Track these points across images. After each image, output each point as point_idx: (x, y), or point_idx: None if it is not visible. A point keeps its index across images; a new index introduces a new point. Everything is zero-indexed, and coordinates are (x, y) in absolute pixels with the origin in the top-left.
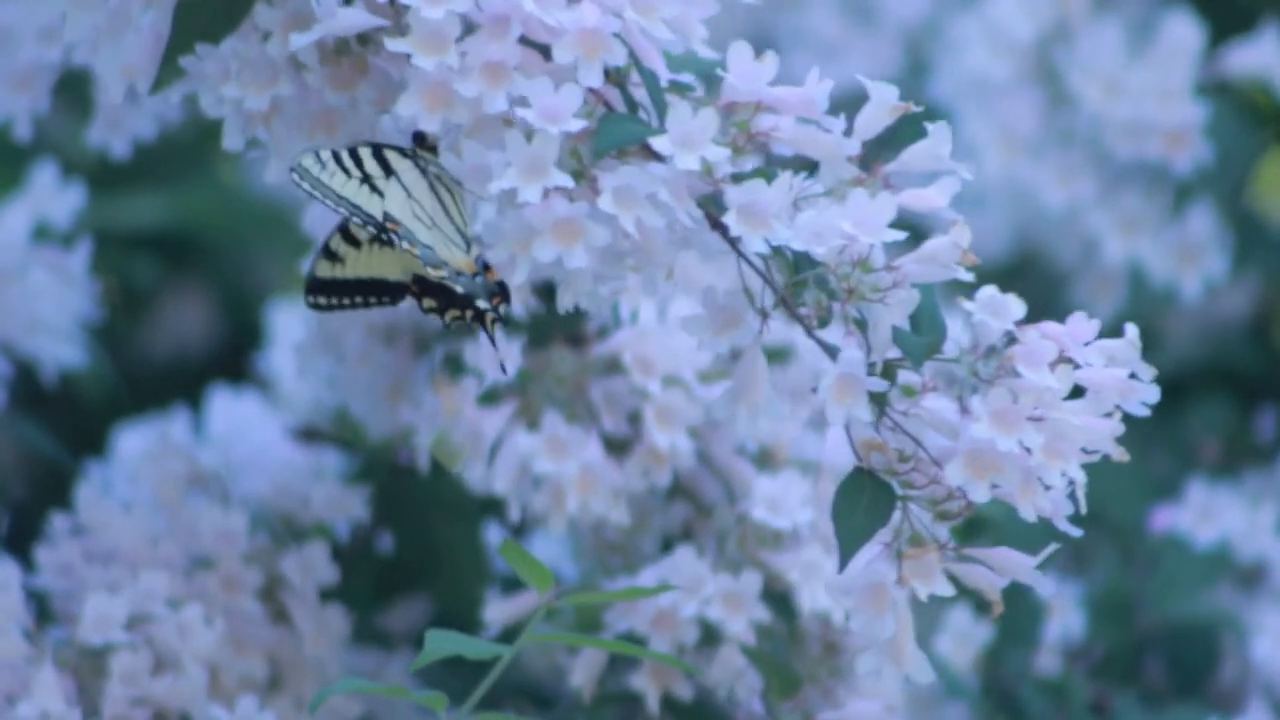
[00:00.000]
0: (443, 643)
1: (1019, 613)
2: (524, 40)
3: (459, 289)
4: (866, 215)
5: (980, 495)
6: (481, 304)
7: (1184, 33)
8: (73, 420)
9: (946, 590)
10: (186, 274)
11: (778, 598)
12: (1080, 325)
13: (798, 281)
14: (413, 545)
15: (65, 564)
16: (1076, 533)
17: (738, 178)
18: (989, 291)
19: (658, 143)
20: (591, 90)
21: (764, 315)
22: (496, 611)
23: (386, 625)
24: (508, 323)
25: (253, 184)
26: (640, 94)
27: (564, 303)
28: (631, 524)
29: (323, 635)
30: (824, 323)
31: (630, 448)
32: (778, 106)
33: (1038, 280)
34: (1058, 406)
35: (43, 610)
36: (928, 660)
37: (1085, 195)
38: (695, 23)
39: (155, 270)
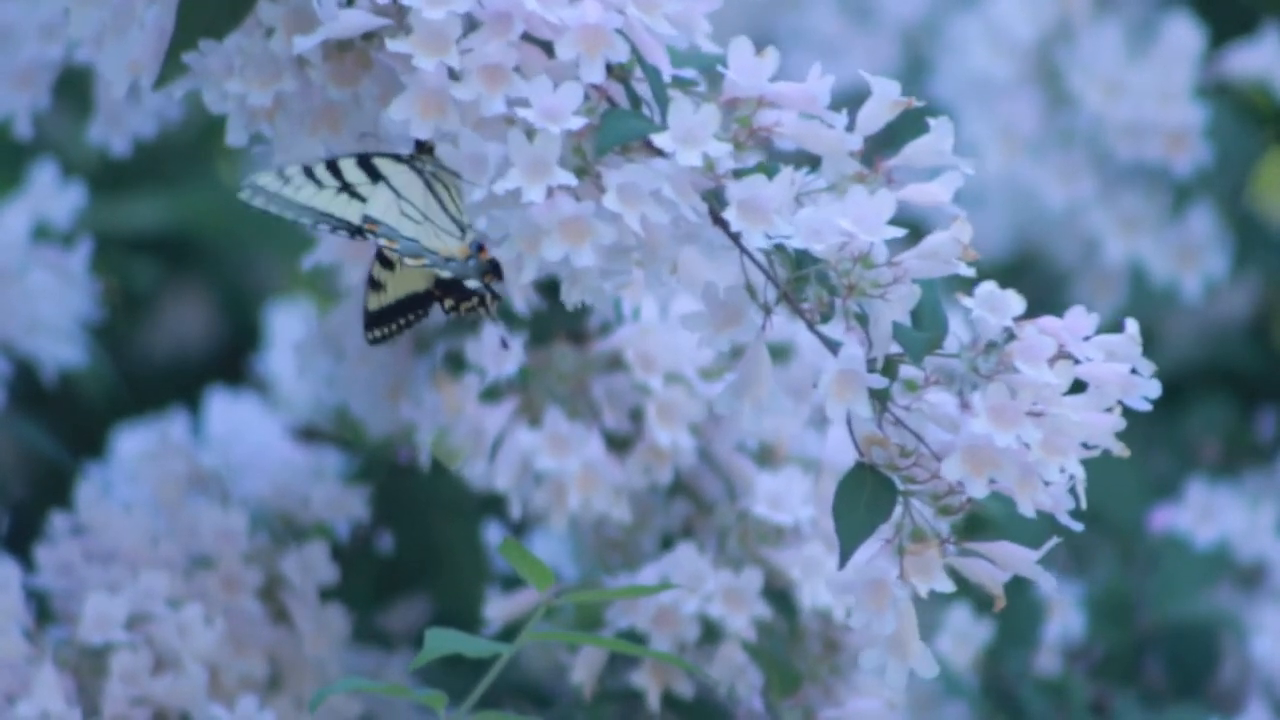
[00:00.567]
0: (442, 641)
1: (1019, 612)
2: (526, 37)
3: (446, 273)
4: (865, 212)
5: (979, 491)
6: (471, 283)
7: (1184, 34)
8: (73, 420)
9: (947, 586)
10: (186, 275)
11: (779, 595)
12: (1079, 320)
13: (799, 277)
14: (413, 544)
15: (65, 563)
16: (1077, 527)
17: (739, 173)
18: (988, 287)
19: (660, 139)
20: (595, 86)
21: (767, 311)
22: (496, 610)
23: (386, 625)
24: (510, 316)
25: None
26: (644, 89)
27: (570, 299)
28: (633, 521)
29: (323, 635)
30: (826, 318)
31: (632, 445)
32: (780, 102)
33: (1038, 280)
34: (1057, 402)
35: (43, 610)
36: (932, 655)
37: (1085, 195)
38: (699, 18)
39: (155, 272)
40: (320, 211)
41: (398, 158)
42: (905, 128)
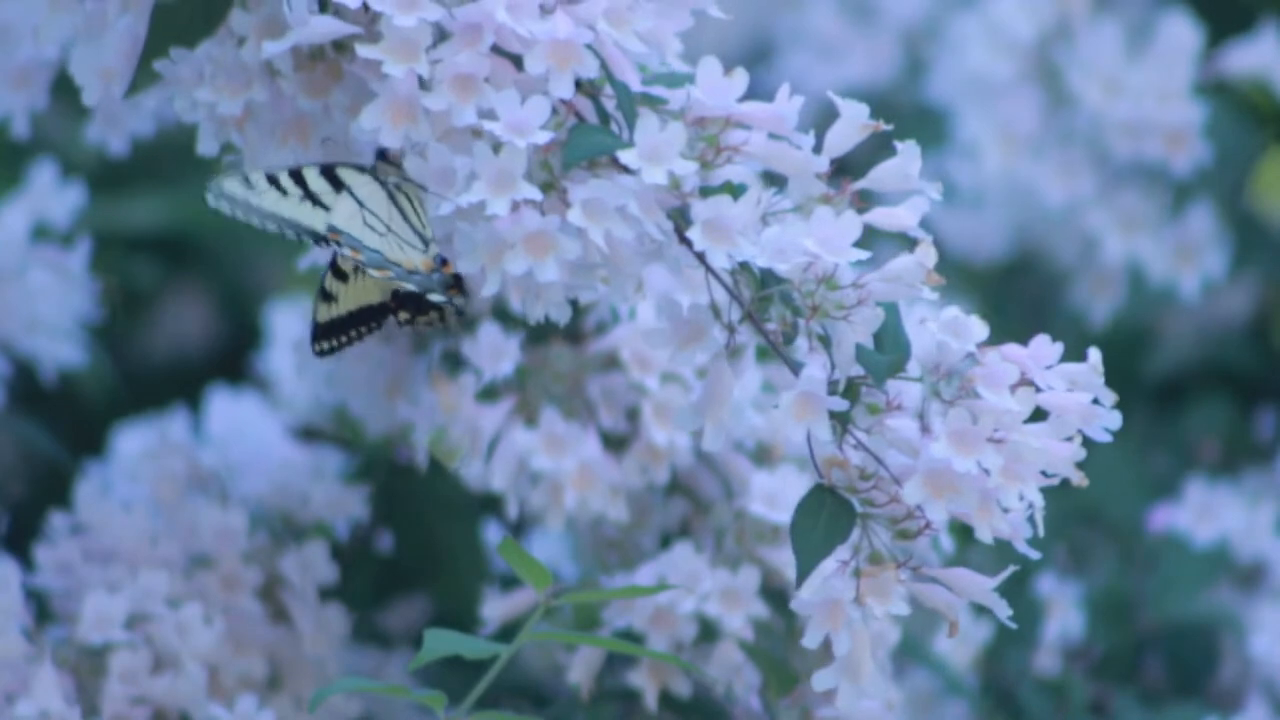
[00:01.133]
0: (441, 641)
1: (1018, 612)
2: (496, 50)
3: (411, 286)
4: (830, 234)
5: (938, 515)
6: (435, 297)
7: (1183, 33)
8: (72, 419)
9: (903, 609)
10: (186, 274)
11: (775, 594)
12: (1043, 349)
13: (763, 297)
14: (412, 544)
15: (65, 563)
16: (1035, 556)
17: (705, 192)
18: (952, 312)
19: (626, 156)
20: (563, 101)
21: (730, 330)
22: (493, 609)
23: (386, 624)
24: (507, 316)
25: None
26: (613, 105)
27: (534, 314)
28: (630, 521)
29: (322, 634)
30: (789, 339)
31: (628, 444)
32: (748, 121)
33: (1037, 279)
34: (1018, 429)
35: (42, 609)
36: (883, 680)
37: (1085, 194)
38: (670, 36)
39: (155, 271)
40: (284, 218)
41: (360, 169)
42: (887, 143)
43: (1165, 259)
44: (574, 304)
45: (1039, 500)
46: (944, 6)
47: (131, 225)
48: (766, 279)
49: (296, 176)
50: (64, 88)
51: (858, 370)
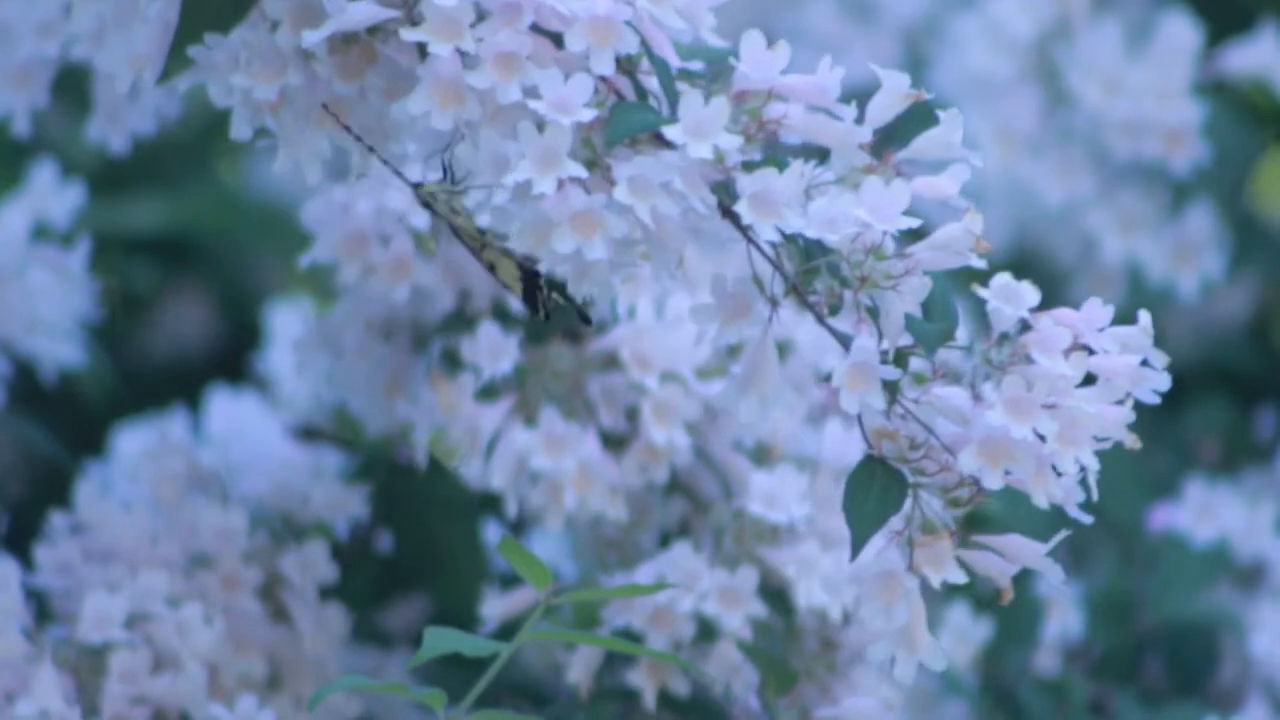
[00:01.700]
0: (441, 640)
1: (1018, 611)
2: (535, 29)
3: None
4: (881, 202)
5: (994, 482)
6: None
7: (1182, 32)
8: (72, 419)
9: (959, 577)
10: (186, 274)
11: (774, 593)
12: (1095, 312)
13: (810, 269)
14: (412, 543)
15: (64, 563)
16: (1087, 519)
17: (749, 166)
18: (1004, 279)
19: (670, 131)
20: (603, 79)
21: (774, 304)
22: (494, 608)
23: (386, 624)
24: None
25: (252, 185)
26: (651, 82)
27: (580, 292)
28: (629, 520)
29: (322, 634)
30: (835, 310)
31: (628, 444)
32: (789, 94)
33: (1037, 278)
34: (1071, 394)
35: (42, 609)
36: (941, 648)
37: (1084, 193)
38: (704, 11)
39: (155, 271)
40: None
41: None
42: (909, 123)
43: (1164, 259)
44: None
45: (1094, 464)
46: (944, 5)
47: (131, 225)
48: (812, 251)
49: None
50: (65, 86)
51: (905, 340)
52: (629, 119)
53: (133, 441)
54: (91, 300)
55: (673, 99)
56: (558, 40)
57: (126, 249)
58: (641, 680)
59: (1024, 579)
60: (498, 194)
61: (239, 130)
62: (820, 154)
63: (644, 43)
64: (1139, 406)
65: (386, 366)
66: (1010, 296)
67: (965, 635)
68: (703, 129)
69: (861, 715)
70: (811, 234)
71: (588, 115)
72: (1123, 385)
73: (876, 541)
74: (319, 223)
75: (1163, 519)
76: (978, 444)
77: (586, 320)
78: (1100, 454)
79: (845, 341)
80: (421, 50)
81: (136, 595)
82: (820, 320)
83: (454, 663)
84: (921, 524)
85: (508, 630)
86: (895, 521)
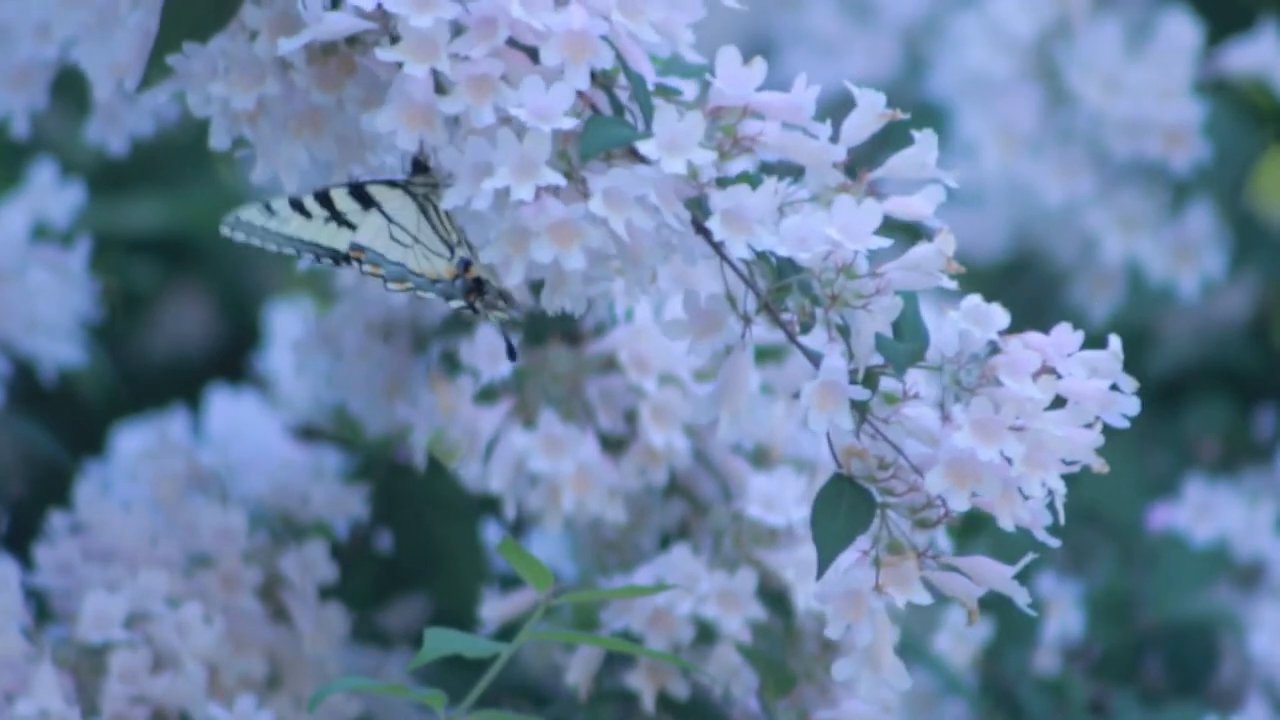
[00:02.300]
0: (441, 641)
1: (1017, 611)
2: (511, 43)
3: (430, 295)
4: (852, 222)
5: (960, 503)
6: (455, 303)
7: (1182, 31)
8: (72, 419)
9: (924, 598)
10: (185, 274)
11: (773, 596)
12: (1064, 336)
13: (781, 287)
14: (412, 544)
15: (64, 562)
16: (1055, 544)
17: (723, 182)
18: (973, 300)
19: (644, 146)
20: (579, 93)
21: (747, 320)
22: (493, 610)
23: (385, 624)
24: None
25: (251, 185)
26: (627, 97)
27: (552, 305)
28: (628, 522)
29: (322, 634)
30: (807, 328)
31: (626, 446)
32: (765, 111)
33: (1036, 278)
34: (1039, 417)
35: (42, 608)
36: (904, 669)
37: (1084, 193)
38: (681, 27)
39: (154, 271)
40: (306, 241)
41: (392, 184)
42: (899, 135)
43: (1164, 258)
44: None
45: (1060, 488)
46: (943, 5)
47: (131, 225)
48: (784, 269)
49: (323, 199)
50: (64, 87)
51: (876, 360)
52: (603, 133)
53: (133, 441)
54: (91, 300)
55: (648, 114)
56: (534, 55)
57: (126, 249)
58: (641, 682)
59: (1024, 579)
60: (477, 199)
61: (217, 139)
62: (796, 171)
63: (619, 57)
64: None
65: (386, 368)
66: (979, 319)
67: (965, 635)
68: (677, 144)
69: (860, 717)
70: (783, 252)
71: (568, 123)
72: (1092, 409)
73: (844, 559)
74: None
75: (1162, 519)
76: (944, 465)
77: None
78: (1100, 454)
79: (817, 360)
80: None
81: (136, 595)
82: (791, 338)
83: (454, 663)
84: (889, 544)
85: (507, 631)
86: (863, 541)
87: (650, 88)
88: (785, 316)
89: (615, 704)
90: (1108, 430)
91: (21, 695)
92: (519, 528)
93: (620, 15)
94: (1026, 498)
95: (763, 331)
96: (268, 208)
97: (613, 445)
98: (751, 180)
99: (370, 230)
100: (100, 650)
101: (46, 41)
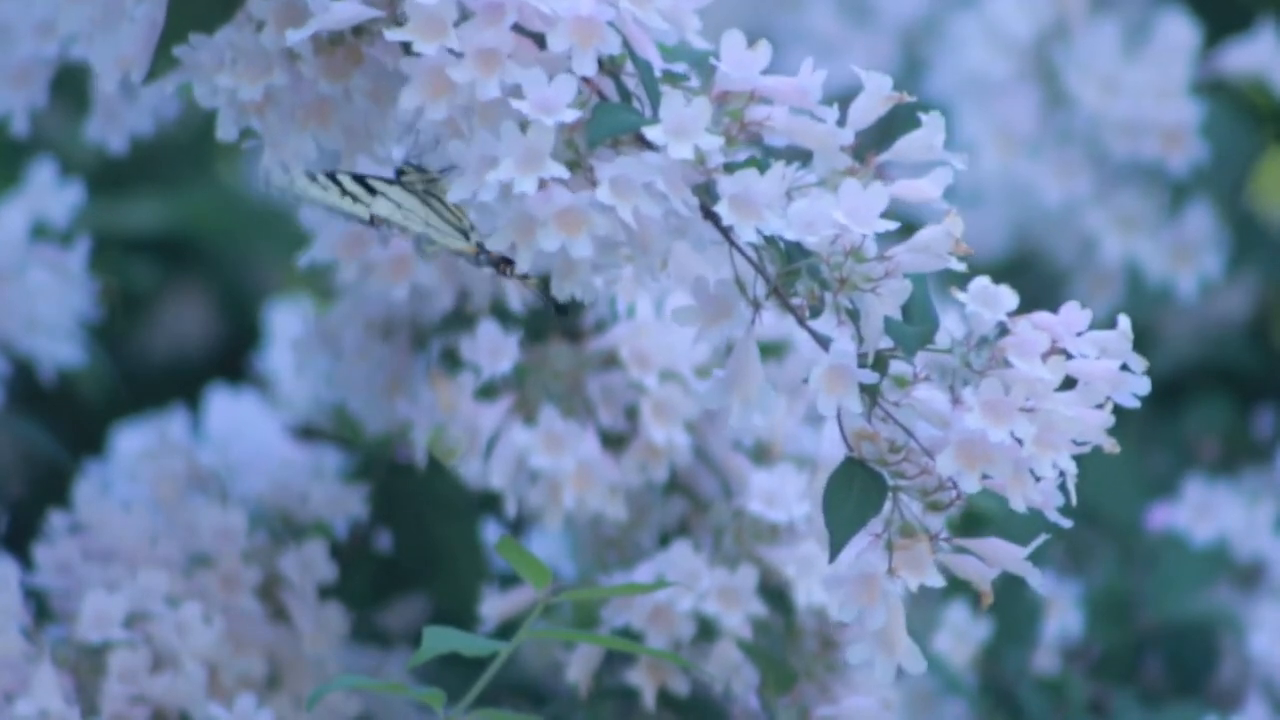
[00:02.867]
0: (440, 639)
1: (1017, 611)
2: (518, 29)
3: (465, 261)
4: (859, 205)
5: (971, 485)
6: (486, 269)
7: (1180, 31)
8: (71, 419)
9: (937, 581)
10: (185, 273)
11: (774, 593)
12: (1073, 316)
13: (790, 271)
14: (411, 543)
15: (64, 562)
16: (1066, 524)
17: (730, 167)
18: (982, 282)
19: (651, 132)
20: (585, 80)
21: (756, 306)
22: (493, 608)
23: (385, 623)
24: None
25: (251, 185)
26: (634, 84)
27: (561, 293)
28: (628, 519)
29: (321, 633)
30: (816, 313)
31: (627, 443)
32: (771, 96)
33: (1035, 278)
34: (1049, 397)
35: (41, 608)
36: (919, 651)
37: (1082, 193)
38: (689, 13)
39: (154, 270)
40: (332, 207)
41: (389, 181)
42: (901, 122)
43: (1163, 259)
44: (573, 301)
45: (1072, 468)
46: (942, 6)
47: (131, 225)
48: (792, 253)
49: (333, 178)
50: (64, 86)
51: (885, 343)
52: (611, 119)
53: (132, 441)
54: (91, 300)
55: (655, 100)
56: (540, 41)
57: (126, 248)
58: (641, 679)
59: (1022, 578)
60: (482, 192)
61: (225, 131)
62: (804, 156)
63: (627, 44)
64: (1138, 403)
65: (386, 366)
66: (989, 300)
67: (964, 634)
68: (684, 130)
69: (861, 715)
70: (790, 236)
71: (571, 115)
72: (1102, 390)
73: (856, 543)
74: (318, 222)
75: (1162, 518)
76: (955, 447)
77: (561, 310)
78: (1099, 454)
79: (826, 344)
80: (407, 50)
81: (136, 595)
82: (801, 323)
83: (453, 662)
84: (901, 527)
85: (507, 630)
86: (875, 524)
87: (657, 74)
88: (794, 301)
89: (615, 701)
90: (1107, 430)
91: (21, 695)
92: (519, 526)
93: (628, 2)
94: (1038, 479)
95: (771, 319)
96: (311, 175)
97: (613, 442)
98: (759, 165)
99: (384, 209)
100: (100, 650)
101: (47, 39)
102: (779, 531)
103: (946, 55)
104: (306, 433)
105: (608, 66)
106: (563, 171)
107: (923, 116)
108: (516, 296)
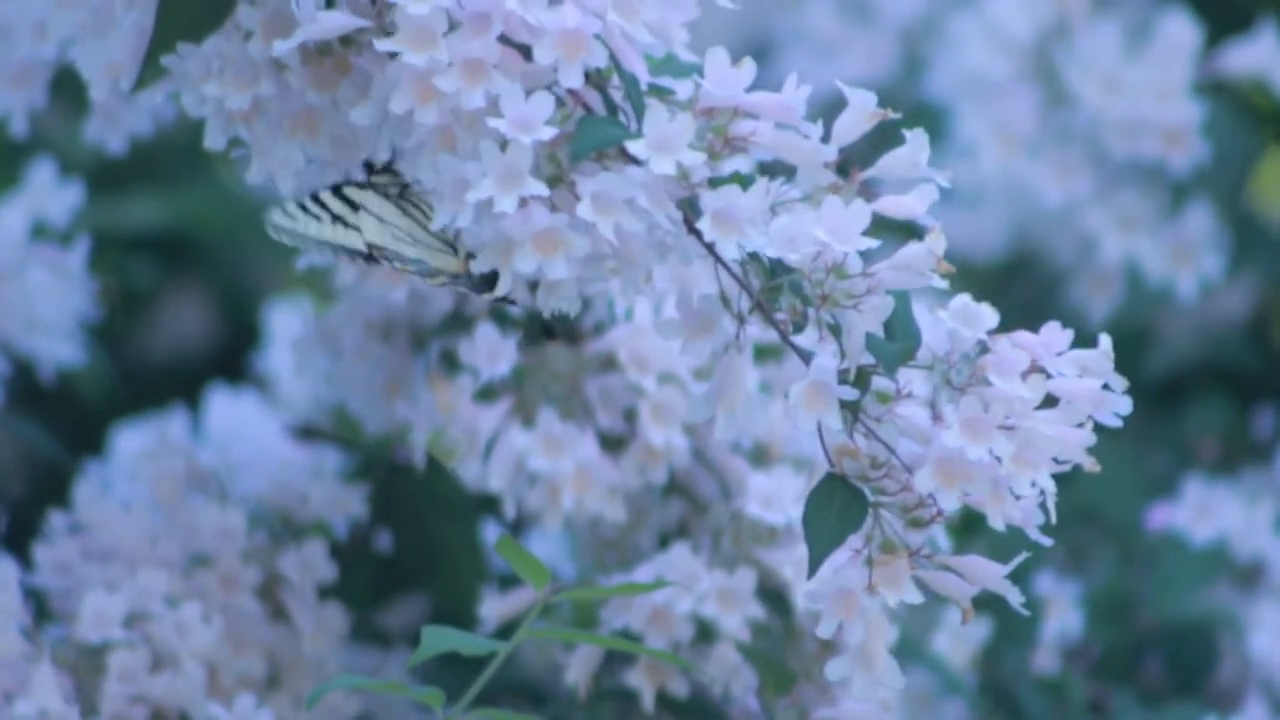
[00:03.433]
0: (439, 639)
1: (1016, 611)
2: (505, 40)
3: (461, 288)
4: (840, 223)
5: (950, 503)
6: (486, 297)
7: (1181, 31)
8: (71, 419)
9: (916, 597)
10: (185, 273)
11: (772, 594)
12: (1053, 336)
13: (773, 287)
14: (411, 543)
15: (63, 562)
16: (1048, 542)
17: (714, 183)
18: (962, 300)
19: (634, 146)
20: (571, 92)
21: (740, 320)
22: (492, 608)
23: (385, 623)
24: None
25: (249, 185)
26: (620, 96)
27: (546, 307)
28: (627, 521)
29: (321, 633)
30: (799, 328)
31: (626, 445)
32: (755, 111)
33: (1035, 278)
34: (1029, 416)
35: (41, 608)
36: (898, 668)
37: (1083, 193)
38: (676, 26)
39: (153, 270)
40: (332, 244)
41: (361, 185)
42: (892, 133)
43: (1163, 259)
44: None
45: (1051, 487)
46: (942, 5)
47: (130, 224)
48: (776, 269)
49: (317, 200)
50: (63, 87)
51: (868, 359)
52: (595, 133)
53: (132, 441)
54: (90, 299)
55: (641, 114)
56: (527, 53)
57: (125, 248)
58: (640, 681)
59: (1021, 578)
60: (460, 215)
61: (212, 140)
62: (790, 171)
63: (613, 57)
64: (1136, 404)
65: (385, 367)
66: (969, 318)
67: (964, 635)
68: (668, 145)
69: (859, 716)
70: (771, 253)
71: (548, 133)
72: (1084, 409)
73: (836, 558)
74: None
75: (1161, 518)
76: (934, 464)
77: (550, 334)
78: (1099, 454)
79: (808, 359)
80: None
81: (135, 595)
82: (784, 338)
83: (452, 662)
84: (881, 543)
85: (506, 630)
86: (854, 540)
87: (644, 87)
88: (778, 316)
89: (614, 703)
90: (1107, 430)
91: (21, 695)
92: (518, 527)
93: (615, 14)
94: (1018, 497)
95: (758, 331)
96: (284, 211)
97: (612, 444)
98: (742, 180)
99: (373, 231)
100: (99, 650)
101: (45, 41)
102: (777, 533)
103: (946, 55)
104: (306, 433)
105: (594, 79)
106: (542, 189)
107: (906, 134)
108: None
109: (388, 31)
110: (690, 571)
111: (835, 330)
